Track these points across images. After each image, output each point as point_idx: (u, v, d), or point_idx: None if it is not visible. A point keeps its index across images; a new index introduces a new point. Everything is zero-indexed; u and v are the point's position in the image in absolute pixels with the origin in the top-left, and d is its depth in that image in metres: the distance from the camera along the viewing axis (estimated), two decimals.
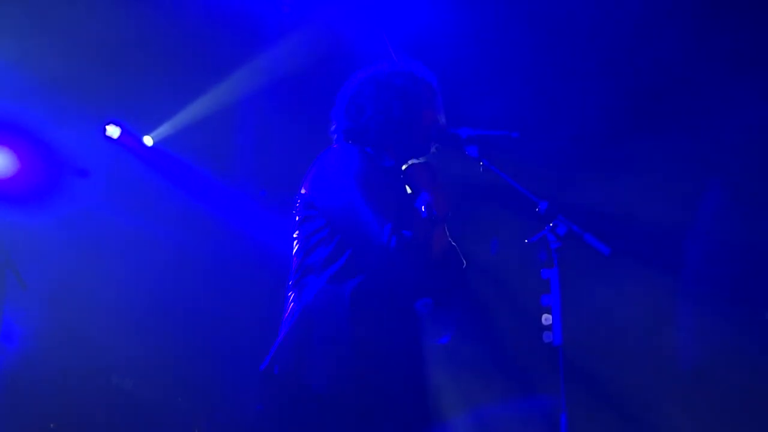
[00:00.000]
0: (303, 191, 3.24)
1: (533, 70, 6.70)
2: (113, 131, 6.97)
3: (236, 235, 7.34)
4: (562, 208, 3.39)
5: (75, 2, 6.46)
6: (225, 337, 7.13)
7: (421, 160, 3.36)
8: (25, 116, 6.67)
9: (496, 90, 6.64)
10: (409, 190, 3.29)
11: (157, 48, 6.82)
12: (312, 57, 6.86)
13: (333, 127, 3.41)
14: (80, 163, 6.97)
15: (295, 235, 3.24)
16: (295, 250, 3.22)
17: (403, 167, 3.33)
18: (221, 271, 7.30)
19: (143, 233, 7.11)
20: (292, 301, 3.14)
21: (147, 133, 7.20)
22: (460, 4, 6.55)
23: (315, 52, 6.84)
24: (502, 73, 6.67)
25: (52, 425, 6.62)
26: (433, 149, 3.38)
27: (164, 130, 7.19)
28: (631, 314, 6.59)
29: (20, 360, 6.55)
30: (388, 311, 3.09)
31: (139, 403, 6.94)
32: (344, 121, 3.35)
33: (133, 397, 6.96)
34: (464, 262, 3.29)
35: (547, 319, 3.32)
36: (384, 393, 3.02)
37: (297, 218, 3.25)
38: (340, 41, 6.68)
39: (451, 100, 3.49)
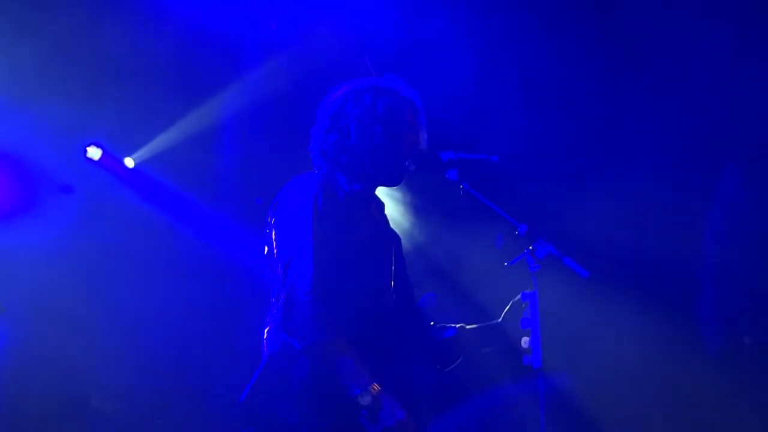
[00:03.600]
0: (270, 221, 3.18)
1: (517, 92, 6.73)
2: (94, 153, 6.96)
3: (219, 258, 7.32)
4: (542, 230, 3.41)
5: (56, 24, 6.45)
6: (206, 359, 7.09)
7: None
8: (4, 136, 6.64)
9: (479, 112, 6.67)
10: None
11: (138, 69, 6.82)
12: (295, 77, 6.87)
13: (312, 145, 3.33)
14: (61, 182, 6.96)
15: (269, 266, 3.17)
16: (272, 283, 3.15)
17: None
18: (202, 294, 7.27)
19: (124, 255, 7.08)
20: (268, 333, 3.10)
21: (128, 155, 7.18)
22: (441, 28, 6.58)
23: (298, 72, 6.85)
24: (486, 95, 6.70)
25: None
26: (410, 168, 3.30)
27: (146, 151, 7.17)
28: (613, 338, 6.60)
29: None
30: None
31: (118, 426, 6.88)
32: (325, 144, 3.27)
33: (112, 420, 6.90)
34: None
35: (526, 341, 3.32)
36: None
37: (266, 249, 3.18)
38: (324, 61, 6.69)
39: (431, 123, 3.47)
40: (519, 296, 3.38)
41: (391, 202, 4.05)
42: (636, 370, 6.57)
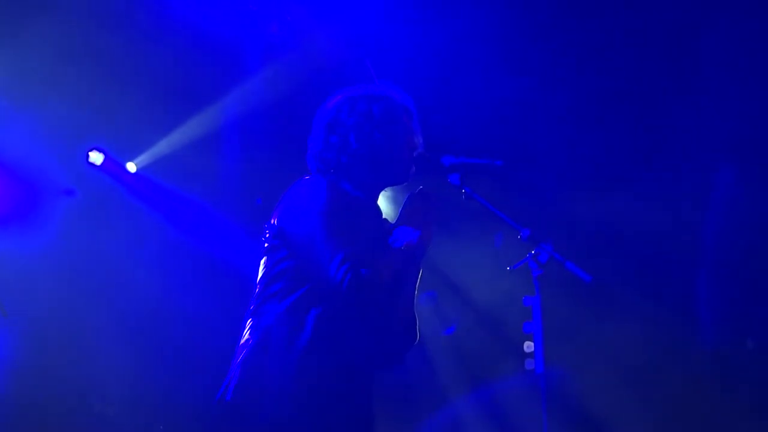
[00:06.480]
0: (272, 221, 3.21)
1: (521, 97, 6.74)
2: (96, 158, 6.97)
3: (221, 262, 7.32)
4: (545, 234, 3.41)
5: (58, 29, 6.46)
6: (209, 363, 7.08)
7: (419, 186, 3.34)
8: (6, 140, 6.65)
9: (483, 117, 6.68)
10: (388, 217, 3.29)
11: (140, 73, 6.83)
12: (296, 81, 6.88)
13: (310, 155, 3.34)
14: (63, 186, 6.97)
15: (260, 263, 3.23)
16: (258, 278, 3.21)
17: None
18: (205, 297, 7.27)
19: (125, 259, 7.09)
20: (249, 327, 3.14)
21: (130, 160, 7.19)
22: (445, 33, 6.59)
23: (299, 76, 6.86)
24: (486, 99, 6.71)
25: None
26: (412, 174, 3.32)
27: (147, 156, 7.18)
28: (616, 341, 6.61)
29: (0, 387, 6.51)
30: (344, 341, 3.07)
31: (121, 430, 6.88)
32: (323, 152, 3.28)
33: (114, 424, 6.90)
34: (417, 333, 3.24)
35: (529, 346, 3.33)
36: (337, 419, 3.01)
37: (264, 246, 3.23)
38: (325, 65, 6.70)
39: (432, 127, 3.47)
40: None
41: (390, 204, 4.04)
42: (637, 371, 6.58)
